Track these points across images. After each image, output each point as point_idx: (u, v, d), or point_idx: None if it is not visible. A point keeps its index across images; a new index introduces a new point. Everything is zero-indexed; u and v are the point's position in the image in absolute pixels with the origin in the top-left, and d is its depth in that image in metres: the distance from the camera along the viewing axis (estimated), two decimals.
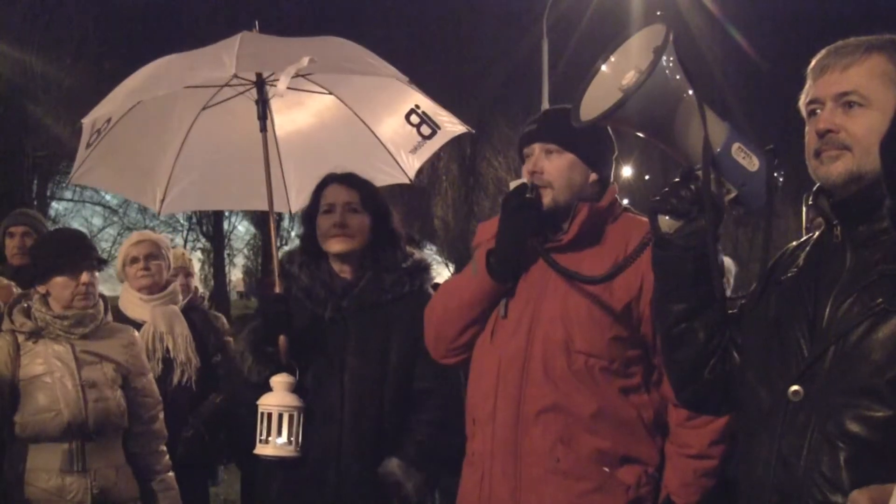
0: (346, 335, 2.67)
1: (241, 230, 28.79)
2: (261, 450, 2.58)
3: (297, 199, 3.53)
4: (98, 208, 22.98)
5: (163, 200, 3.54)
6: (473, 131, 3.56)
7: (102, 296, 3.21)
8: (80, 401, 2.91)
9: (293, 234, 26.60)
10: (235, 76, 3.12)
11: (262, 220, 27.21)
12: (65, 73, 18.41)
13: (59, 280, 2.98)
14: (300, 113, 3.55)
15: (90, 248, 3.15)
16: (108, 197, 23.49)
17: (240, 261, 29.57)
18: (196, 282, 4.53)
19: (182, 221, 26.51)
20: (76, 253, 3.02)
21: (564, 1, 16.15)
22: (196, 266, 6.01)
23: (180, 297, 3.79)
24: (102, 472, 2.91)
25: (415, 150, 3.42)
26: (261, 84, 3.07)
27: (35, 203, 19.00)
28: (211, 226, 26.67)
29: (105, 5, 20.01)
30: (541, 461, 2.17)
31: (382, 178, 3.40)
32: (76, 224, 21.49)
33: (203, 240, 26.82)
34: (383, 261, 2.72)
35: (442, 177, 22.97)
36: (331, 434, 2.60)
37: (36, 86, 18.11)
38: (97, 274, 3.10)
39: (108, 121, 3.15)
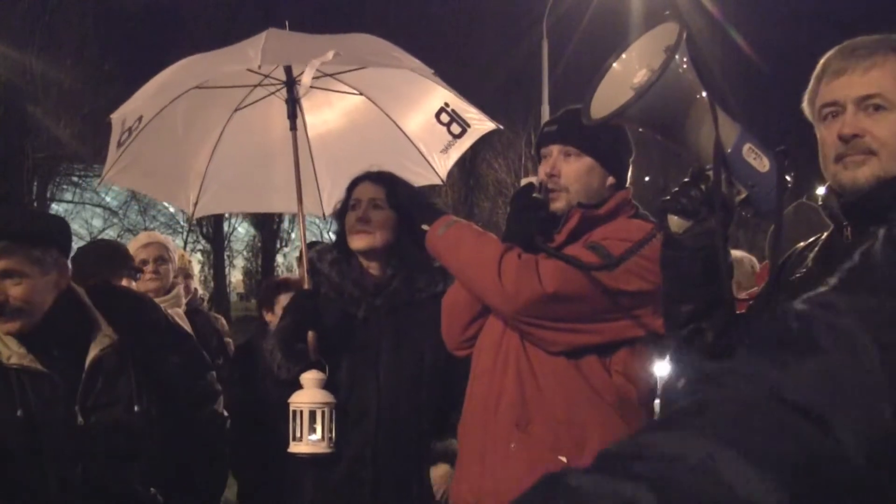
0: (381, 334, 2.63)
1: (241, 232, 28.83)
2: (294, 448, 2.55)
3: (330, 202, 3.49)
4: (98, 210, 22.98)
5: (195, 203, 3.52)
6: (502, 127, 3.50)
7: None
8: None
9: (293, 235, 26.66)
10: (268, 76, 3.13)
11: (262, 222, 27.28)
12: (65, 74, 18.40)
13: None
14: (331, 114, 3.53)
15: (129, 257, 3.27)
16: (108, 198, 23.50)
17: (240, 262, 29.60)
18: (196, 283, 4.53)
19: (182, 223, 26.51)
20: (118, 260, 3.05)
21: (564, 3, 16.16)
22: (196, 268, 6.02)
23: (183, 300, 3.79)
24: None
25: (445, 149, 3.37)
26: (290, 83, 3.06)
27: (35, 204, 19.00)
28: (211, 227, 26.66)
29: (105, 6, 20.00)
30: (499, 445, 2.17)
31: (414, 179, 3.37)
32: (76, 226, 21.49)
33: (203, 241, 26.82)
34: (413, 259, 2.67)
35: None
36: (367, 433, 2.58)
37: (36, 87, 18.09)
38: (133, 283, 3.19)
39: (140, 119, 3.12)
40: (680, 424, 0.68)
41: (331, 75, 3.22)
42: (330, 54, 2.72)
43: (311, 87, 3.29)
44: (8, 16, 17.37)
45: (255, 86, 3.23)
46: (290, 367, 2.63)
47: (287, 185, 3.17)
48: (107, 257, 3.13)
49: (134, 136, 3.12)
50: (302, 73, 3.00)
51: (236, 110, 3.37)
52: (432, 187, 4.09)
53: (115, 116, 3.23)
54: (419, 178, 3.41)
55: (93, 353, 2.26)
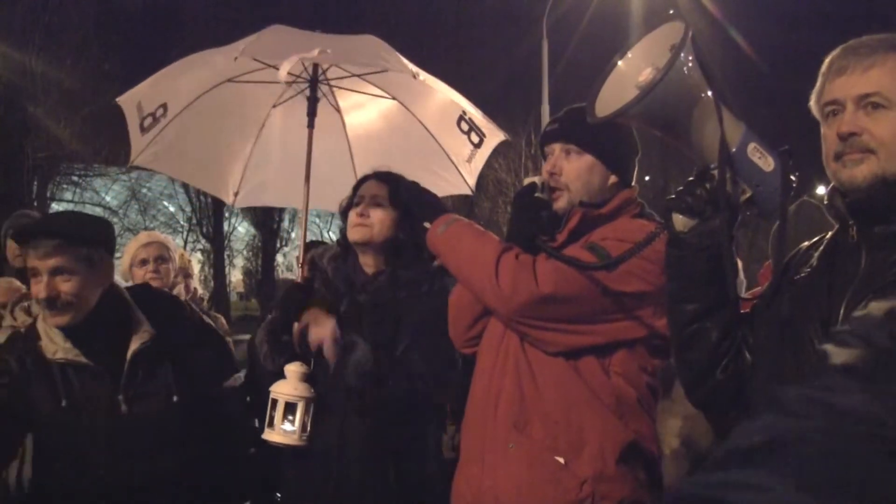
0: (358, 330, 2.64)
1: (241, 231, 28.84)
2: (267, 435, 2.57)
3: None
4: (98, 209, 22.94)
5: (237, 194, 3.60)
6: (510, 139, 3.48)
7: None
8: None
9: (293, 235, 26.65)
10: (299, 76, 3.16)
11: (262, 222, 27.29)
12: (65, 74, 18.38)
13: None
14: (371, 118, 3.55)
15: None
16: (108, 198, 23.52)
17: (239, 262, 29.61)
18: (195, 283, 4.53)
19: (182, 222, 26.56)
20: None
21: (564, 2, 16.17)
22: (196, 267, 6.00)
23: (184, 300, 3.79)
24: None
25: (469, 159, 3.37)
26: (313, 81, 3.08)
27: (35, 204, 18.97)
28: (211, 227, 26.68)
29: (105, 6, 20.00)
30: (498, 445, 2.16)
31: (446, 186, 3.39)
32: None
33: (203, 241, 26.83)
34: (403, 257, 2.68)
35: None
36: (334, 430, 2.59)
37: (36, 87, 18.07)
38: None
39: (164, 107, 3.16)
40: (759, 462, 0.61)
41: (359, 76, 3.23)
42: (315, 52, 2.73)
43: (344, 88, 3.31)
44: (8, 16, 17.35)
45: (291, 83, 3.25)
46: (275, 359, 2.65)
47: (325, 183, 3.18)
48: None
49: (164, 123, 3.18)
50: (327, 69, 3.01)
51: (274, 106, 3.41)
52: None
53: (126, 100, 3.26)
54: (451, 186, 3.43)
55: (134, 345, 2.43)
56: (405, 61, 2.98)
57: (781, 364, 1.59)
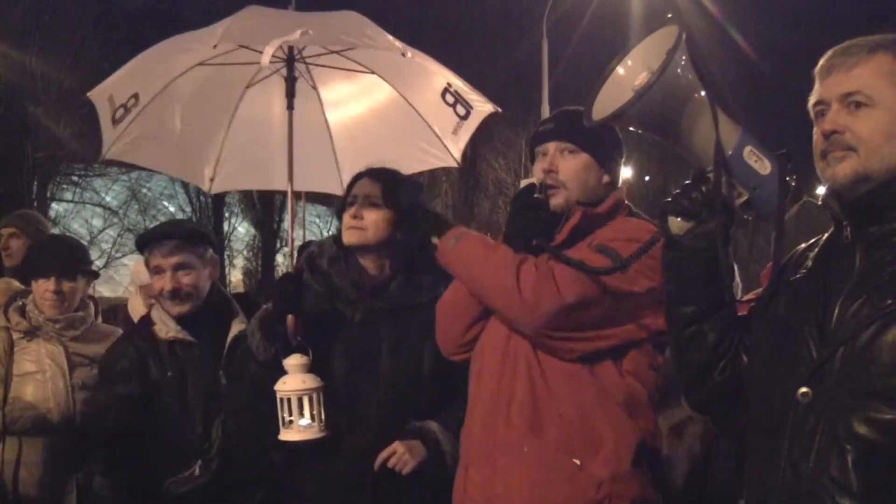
0: (379, 339, 2.59)
1: (241, 231, 28.80)
2: (285, 435, 2.49)
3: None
4: (98, 209, 22.93)
5: (213, 179, 3.56)
6: (500, 110, 3.40)
7: (93, 298, 3.24)
8: (69, 401, 2.99)
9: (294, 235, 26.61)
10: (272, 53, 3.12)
11: (262, 222, 27.27)
12: (65, 74, 18.33)
13: (36, 283, 3.10)
14: (348, 94, 3.49)
15: (61, 255, 3.13)
16: (108, 198, 23.48)
17: (239, 262, 29.57)
18: None
19: None
20: (50, 258, 3.06)
21: (564, 2, 16.17)
22: None
23: None
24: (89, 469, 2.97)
25: (455, 131, 3.32)
26: (290, 61, 3.03)
27: (35, 204, 18.93)
28: (211, 227, 26.66)
29: (105, 6, 19.97)
30: (511, 449, 2.15)
31: (431, 160, 3.37)
32: (76, 225, 21.48)
33: None
34: (413, 260, 2.61)
35: (442, 178, 22.90)
36: (366, 439, 2.52)
37: (36, 87, 18.04)
38: (80, 280, 3.13)
39: (136, 97, 3.10)
40: None
41: (337, 52, 3.18)
42: (297, 34, 2.68)
43: (322, 65, 3.27)
44: (8, 16, 17.31)
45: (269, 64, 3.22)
46: (266, 348, 2.57)
47: (304, 163, 3.12)
48: (60, 255, 3.12)
49: (135, 113, 3.11)
50: (303, 49, 2.97)
51: (248, 87, 3.35)
52: (435, 180, 4.06)
53: (97, 94, 3.19)
54: (435, 160, 3.39)
55: (234, 330, 2.82)
56: (391, 38, 2.90)
57: (777, 365, 1.60)
